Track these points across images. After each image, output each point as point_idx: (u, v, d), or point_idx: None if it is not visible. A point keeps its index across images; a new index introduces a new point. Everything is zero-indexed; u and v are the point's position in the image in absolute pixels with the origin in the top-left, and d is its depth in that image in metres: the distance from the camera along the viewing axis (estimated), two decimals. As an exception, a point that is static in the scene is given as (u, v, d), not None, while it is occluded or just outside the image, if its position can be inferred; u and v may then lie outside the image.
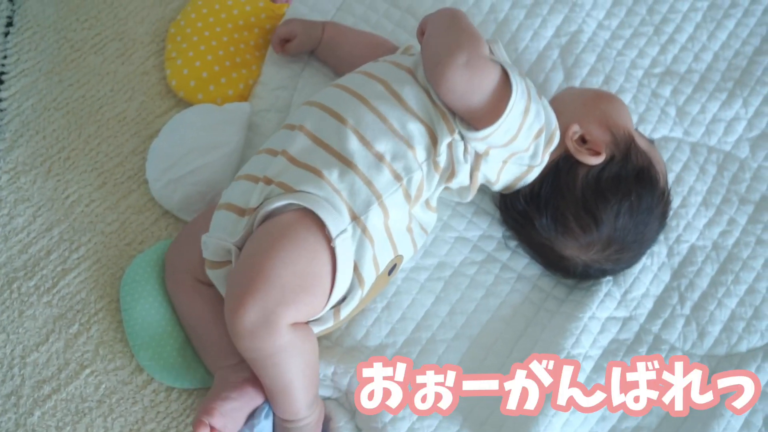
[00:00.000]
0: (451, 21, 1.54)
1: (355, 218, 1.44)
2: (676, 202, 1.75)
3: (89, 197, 1.68)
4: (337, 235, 1.41)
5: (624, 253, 1.61)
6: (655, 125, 1.80)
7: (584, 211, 1.56)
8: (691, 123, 1.82)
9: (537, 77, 1.80)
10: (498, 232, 1.72)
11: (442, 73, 1.46)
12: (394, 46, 1.77)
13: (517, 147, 1.52)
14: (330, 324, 1.48)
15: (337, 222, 1.42)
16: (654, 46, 1.88)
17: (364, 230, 1.45)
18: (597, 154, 1.57)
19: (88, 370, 1.57)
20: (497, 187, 1.61)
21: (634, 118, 1.79)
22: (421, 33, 1.59)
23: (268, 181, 1.46)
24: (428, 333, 1.64)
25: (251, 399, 1.48)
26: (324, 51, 1.78)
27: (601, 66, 1.82)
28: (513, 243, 1.70)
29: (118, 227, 1.66)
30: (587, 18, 1.86)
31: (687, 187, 1.77)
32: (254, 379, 1.47)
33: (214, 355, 1.53)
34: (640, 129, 1.78)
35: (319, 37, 1.77)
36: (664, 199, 1.62)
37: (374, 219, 1.45)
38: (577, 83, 1.80)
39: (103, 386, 1.56)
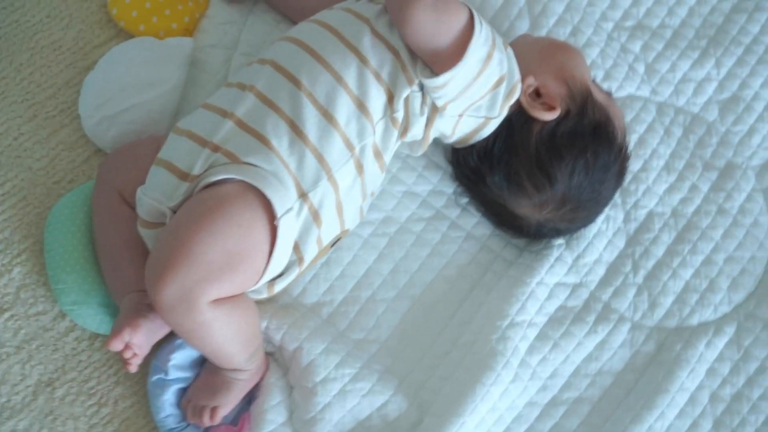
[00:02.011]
0: None
1: (302, 195, 1.37)
2: (636, 165, 1.68)
3: (18, 130, 1.58)
4: (283, 215, 1.34)
5: (579, 212, 1.54)
6: (621, 82, 1.71)
7: (538, 169, 1.49)
8: (660, 81, 1.74)
9: (501, 24, 1.70)
10: (449, 187, 1.64)
11: (410, 14, 1.37)
12: (353, -14, 1.67)
13: (473, 96, 1.44)
14: (263, 296, 1.43)
15: (284, 200, 1.35)
16: (626, -3, 1.78)
17: (311, 208, 1.38)
18: (552, 108, 1.48)
19: (7, 314, 1.49)
20: (452, 140, 1.53)
21: (600, 74, 1.70)
22: None
23: (215, 149, 1.37)
24: (368, 291, 1.57)
25: (164, 325, 1.41)
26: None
27: (570, 16, 1.73)
28: (464, 200, 1.63)
29: (47, 163, 1.57)
30: (556, -37, 1.76)
31: (650, 150, 1.69)
32: None
33: (125, 279, 1.44)
34: (606, 85, 1.69)
35: None
36: (621, 156, 1.55)
37: (323, 196, 1.39)
38: (542, 33, 1.71)
39: (23, 331, 1.49)
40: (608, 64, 1.72)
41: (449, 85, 1.40)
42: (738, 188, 1.69)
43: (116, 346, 1.35)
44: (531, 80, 1.50)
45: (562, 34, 1.71)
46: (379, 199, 1.60)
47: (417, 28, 1.38)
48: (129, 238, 1.45)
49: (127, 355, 1.36)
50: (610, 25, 1.75)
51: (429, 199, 1.63)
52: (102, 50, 1.63)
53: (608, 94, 1.59)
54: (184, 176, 1.37)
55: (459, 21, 1.39)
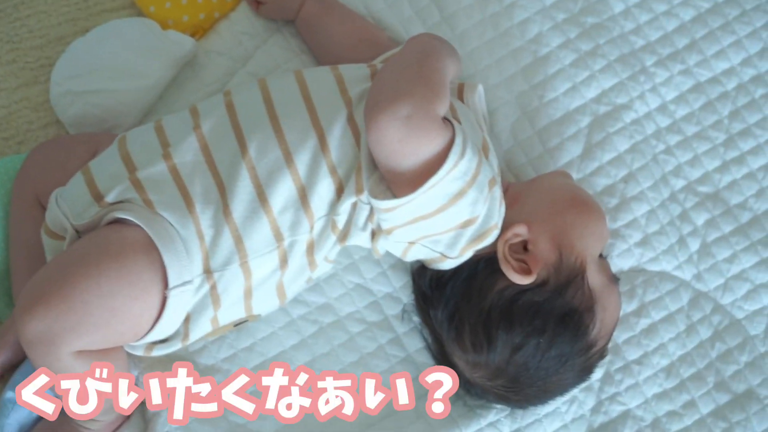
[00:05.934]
0: (419, 57, 1.23)
1: (207, 271, 1.22)
2: (633, 355, 1.42)
3: (-11, 69, 1.47)
4: (176, 286, 1.19)
5: (513, 394, 1.31)
6: (658, 255, 1.44)
7: (482, 328, 1.26)
8: (710, 269, 1.46)
9: (550, 140, 1.46)
10: (410, 297, 1.42)
11: (376, 119, 1.16)
12: (390, 43, 1.45)
13: (429, 229, 1.23)
14: (139, 353, 1.28)
15: (183, 272, 1.20)
16: (715, 159, 1.49)
17: (213, 288, 1.23)
18: (527, 273, 1.25)
19: None
20: (406, 260, 1.33)
21: (636, 237, 1.44)
22: None
23: (136, 184, 1.22)
24: (271, 377, 1.39)
25: None
26: (301, 27, 1.49)
27: (630, 159, 1.46)
28: (417, 318, 1.41)
29: (4, 115, 1.45)
30: (649, 93, 1.49)
31: (656, 343, 1.43)
32: None
33: (18, 287, 1.36)
34: (638, 253, 1.43)
35: (295, 9, 1.47)
36: (588, 353, 1.29)
37: (229, 280, 1.23)
38: (593, 167, 1.45)
39: None
40: (651, 228, 1.45)
41: (397, 211, 1.19)
42: (746, 425, 1.42)
43: None
44: (522, 230, 1.26)
45: (613, 175, 1.45)
46: (326, 281, 1.41)
47: (380, 139, 1.17)
48: (33, 244, 1.33)
49: None
50: (680, 184, 1.47)
51: (382, 303, 1.42)
52: (110, 16, 1.49)
53: (613, 280, 1.33)
54: (98, 197, 1.23)
55: (430, 148, 1.16)
